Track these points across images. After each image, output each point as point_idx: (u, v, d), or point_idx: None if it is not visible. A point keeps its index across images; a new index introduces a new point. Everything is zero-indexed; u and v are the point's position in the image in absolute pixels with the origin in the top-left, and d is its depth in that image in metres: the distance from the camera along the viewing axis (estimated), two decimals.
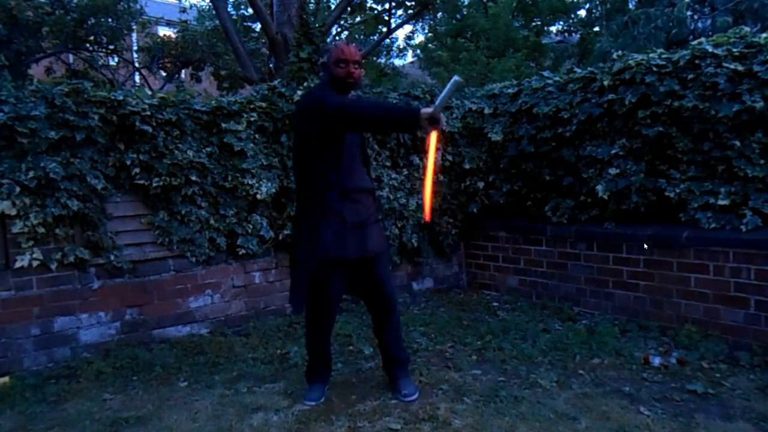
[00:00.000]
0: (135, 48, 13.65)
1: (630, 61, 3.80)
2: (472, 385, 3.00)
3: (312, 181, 2.73)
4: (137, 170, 3.60)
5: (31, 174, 3.22)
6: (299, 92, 4.18)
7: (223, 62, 11.87)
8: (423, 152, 4.72)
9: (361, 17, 13.99)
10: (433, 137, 2.57)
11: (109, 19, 10.82)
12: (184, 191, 3.76)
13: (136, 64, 13.19)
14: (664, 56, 3.73)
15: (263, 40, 10.98)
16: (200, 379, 3.19)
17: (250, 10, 10.57)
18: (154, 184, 3.65)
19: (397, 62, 18.98)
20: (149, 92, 4.04)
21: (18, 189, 3.21)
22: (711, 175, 3.56)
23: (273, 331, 3.96)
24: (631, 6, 11.94)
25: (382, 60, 17.50)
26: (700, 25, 10.14)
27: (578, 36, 14.66)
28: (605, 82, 3.90)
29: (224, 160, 3.93)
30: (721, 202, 3.46)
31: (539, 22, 16.10)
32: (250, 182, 3.97)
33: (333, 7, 12.05)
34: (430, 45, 17.21)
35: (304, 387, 2.97)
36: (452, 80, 2.43)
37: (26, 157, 3.25)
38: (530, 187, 4.60)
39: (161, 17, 14.66)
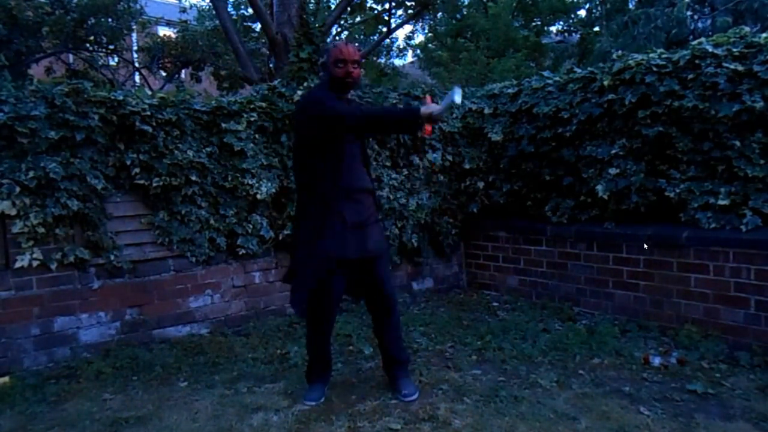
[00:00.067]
0: (135, 48, 13.64)
1: (630, 61, 3.80)
2: (472, 385, 3.00)
3: (312, 181, 2.73)
4: (137, 170, 3.60)
5: (31, 174, 3.23)
6: (299, 92, 4.18)
7: (223, 62, 11.87)
8: (421, 151, 4.73)
9: (361, 17, 13.98)
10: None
11: (109, 19, 10.82)
12: (184, 191, 3.76)
13: (136, 64, 13.18)
14: (664, 56, 3.73)
15: (263, 40, 10.98)
16: (200, 379, 3.19)
17: (250, 10, 10.56)
18: (154, 184, 3.65)
19: (397, 62, 19.03)
20: (149, 92, 4.04)
21: (18, 189, 3.21)
22: (711, 175, 3.56)
23: (273, 331, 3.96)
24: (631, 6, 11.94)
25: (382, 60, 17.50)
26: (700, 25, 10.15)
27: (578, 36, 14.67)
28: (605, 82, 3.90)
29: (224, 160, 3.94)
30: (721, 202, 3.46)
31: (539, 22, 16.12)
32: (250, 182, 3.97)
33: (333, 7, 12.05)
34: (430, 45, 17.23)
35: (304, 387, 2.97)
36: (457, 91, 2.49)
37: (26, 157, 3.26)
38: (530, 187, 4.60)
39: (161, 17, 14.63)
